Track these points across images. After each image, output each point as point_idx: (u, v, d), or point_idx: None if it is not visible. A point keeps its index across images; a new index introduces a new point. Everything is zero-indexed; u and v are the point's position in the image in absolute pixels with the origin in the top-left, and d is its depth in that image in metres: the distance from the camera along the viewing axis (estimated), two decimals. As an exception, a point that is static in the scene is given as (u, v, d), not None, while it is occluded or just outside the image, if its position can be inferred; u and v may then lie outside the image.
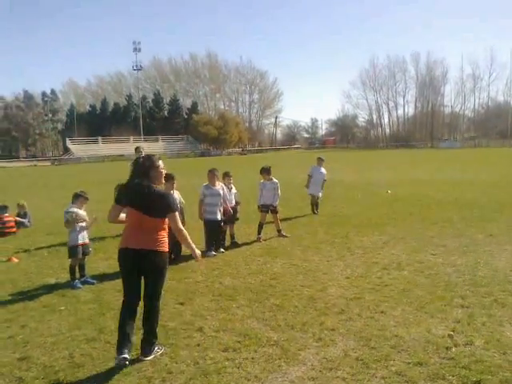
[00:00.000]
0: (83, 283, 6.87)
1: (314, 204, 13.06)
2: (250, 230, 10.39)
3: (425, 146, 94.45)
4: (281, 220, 10.42)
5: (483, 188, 17.77)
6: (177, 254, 8.12)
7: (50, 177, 36.61)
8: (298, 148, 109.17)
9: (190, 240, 4.61)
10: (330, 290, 6.29)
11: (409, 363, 4.14)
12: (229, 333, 4.93)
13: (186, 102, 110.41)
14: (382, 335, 4.75)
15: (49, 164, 70.28)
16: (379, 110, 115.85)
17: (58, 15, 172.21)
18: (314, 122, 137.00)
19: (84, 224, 7.07)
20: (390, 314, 5.33)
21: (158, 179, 4.61)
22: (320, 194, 13.21)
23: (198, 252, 4.71)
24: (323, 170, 13.47)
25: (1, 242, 10.30)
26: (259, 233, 9.69)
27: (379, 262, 7.63)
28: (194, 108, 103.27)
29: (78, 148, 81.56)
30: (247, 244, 9.33)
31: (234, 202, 9.37)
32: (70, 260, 7.02)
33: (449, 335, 4.71)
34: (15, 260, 8.51)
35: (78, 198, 7.14)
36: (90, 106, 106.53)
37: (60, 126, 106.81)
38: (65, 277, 7.20)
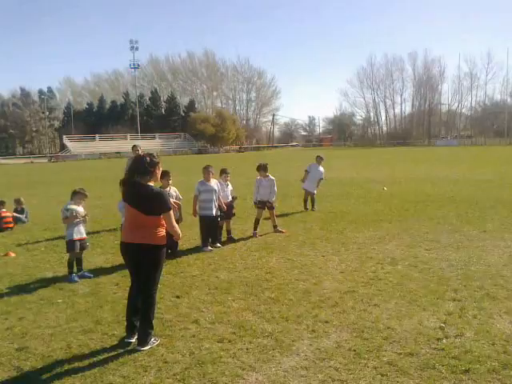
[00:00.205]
0: (80, 277, 6.94)
1: (307, 200, 13.17)
2: (247, 225, 10.46)
3: (422, 144, 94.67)
4: (277, 216, 10.50)
5: (479, 185, 17.88)
6: (173, 249, 8.18)
7: (46, 174, 36.59)
8: (295, 146, 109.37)
9: (178, 230, 4.72)
10: (325, 283, 6.37)
11: (400, 354, 4.23)
12: (224, 325, 5.01)
13: (183, 100, 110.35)
14: (374, 327, 4.84)
15: (45, 161, 70.14)
16: (376, 108, 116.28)
17: (56, 14, 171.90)
18: (312, 119, 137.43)
19: (83, 218, 7.12)
20: (383, 307, 5.42)
21: (157, 176, 4.73)
22: (315, 191, 13.28)
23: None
24: (321, 168, 13.56)
25: (-2, 238, 10.34)
26: (255, 228, 9.76)
27: (374, 256, 7.72)
28: (191, 106, 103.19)
29: (75, 145, 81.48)
30: (243, 239, 9.40)
31: (230, 198, 9.43)
32: (67, 254, 7.09)
33: (440, 327, 4.80)
34: (12, 254, 8.56)
35: (77, 194, 7.20)
36: (87, 103, 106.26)
37: (57, 124, 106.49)
38: (62, 271, 7.27)
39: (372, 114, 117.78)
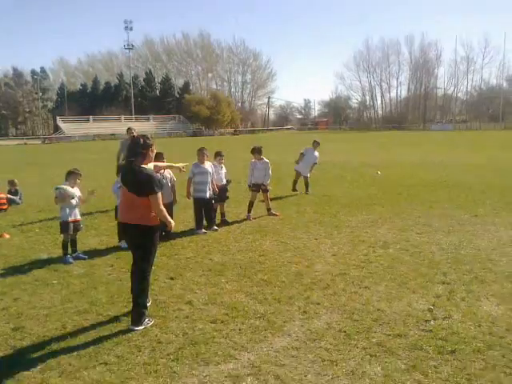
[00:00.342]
0: (75, 258, 6.99)
1: (296, 181, 13.33)
2: (241, 208, 10.51)
3: (417, 128, 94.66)
4: (271, 199, 10.55)
5: (473, 170, 18.00)
6: (167, 232, 8.22)
7: (40, 155, 36.38)
8: (290, 129, 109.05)
9: (166, 215, 4.74)
10: (317, 266, 6.46)
11: (389, 335, 4.33)
12: (217, 306, 5.09)
13: (178, 82, 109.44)
14: (364, 309, 4.94)
15: (39, 142, 69.62)
16: (372, 92, 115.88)
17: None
18: (307, 102, 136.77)
19: (74, 201, 7.12)
20: (374, 290, 5.51)
21: (150, 158, 4.80)
22: (308, 175, 13.35)
23: (172, 222, 4.87)
24: (317, 153, 13.60)
25: (-8, 219, 10.35)
26: (249, 211, 9.82)
27: (366, 240, 7.81)
28: (186, 87, 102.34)
29: (68, 127, 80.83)
30: (237, 222, 9.47)
31: (224, 180, 9.45)
32: (61, 236, 7.13)
33: (429, 309, 4.91)
34: (7, 236, 8.59)
35: (71, 174, 7.21)
36: (81, 84, 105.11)
37: (50, 105, 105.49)
38: (56, 252, 7.31)
39: (368, 98, 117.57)
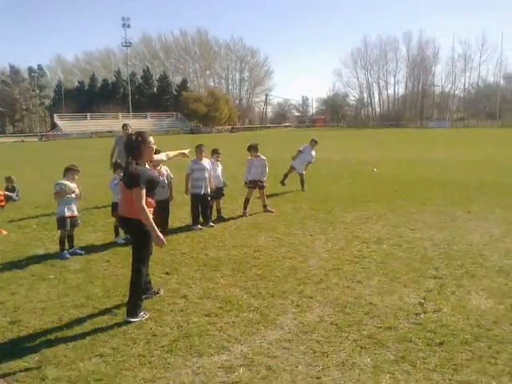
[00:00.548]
0: (72, 254, 7.06)
1: (288, 175, 13.51)
2: (237, 205, 10.60)
3: (414, 125, 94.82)
4: (267, 196, 10.63)
5: (468, 167, 18.12)
6: (164, 228, 8.30)
7: (37, 152, 36.39)
8: (288, 126, 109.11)
9: (151, 221, 4.57)
10: (311, 261, 6.55)
11: (380, 328, 4.42)
12: (212, 300, 5.17)
13: (175, 79, 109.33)
14: (356, 302, 5.03)
15: (36, 140, 69.51)
16: (370, 89, 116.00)
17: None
18: (305, 100, 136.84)
19: (74, 195, 7.20)
20: (366, 284, 5.60)
21: (142, 153, 4.80)
22: (303, 172, 13.46)
23: (160, 236, 4.62)
24: (314, 152, 13.74)
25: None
26: (245, 208, 9.90)
27: (360, 236, 7.90)
28: (183, 85, 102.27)
29: (66, 124, 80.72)
30: (233, 219, 9.54)
31: (220, 177, 9.52)
32: (59, 231, 7.20)
33: (419, 303, 5.00)
34: (4, 232, 8.64)
35: (69, 171, 7.30)
36: (79, 82, 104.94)
37: (47, 102, 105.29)
38: (53, 248, 7.38)
39: (365, 95, 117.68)
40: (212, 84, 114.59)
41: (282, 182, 13.37)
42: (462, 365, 3.74)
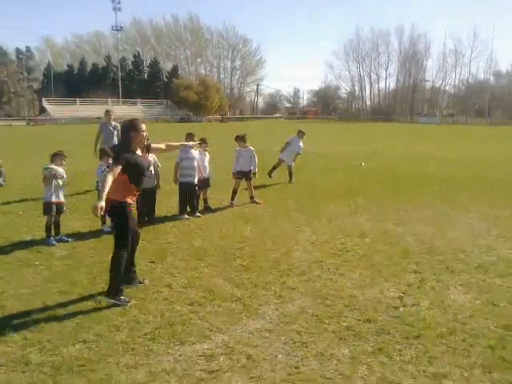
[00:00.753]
0: (58, 241, 7.08)
1: (276, 168, 13.64)
2: (224, 195, 10.63)
3: (404, 120, 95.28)
4: (255, 187, 10.70)
5: (456, 163, 18.36)
6: (150, 216, 8.35)
7: (25, 137, 36.00)
8: (278, 117, 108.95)
9: (104, 190, 4.56)
10: (295, 253, 6.64)
11: (359, 320, 4.53)
12: (195, 289, 5.25)
13: (166, 66, 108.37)
14: (338, 295, 5.14)
15: (24, 124, 68.67)
16: (361, 82, 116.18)
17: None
18: (297, 91, 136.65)
19: (61, 182, 7.21)
20: (348, 277, 5.72)
21: (139, 141, 4.99)
22: (292, 164, 13.55)
23: (100, 203, 4.49)
24: (301, 144, 13.81)
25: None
26: (232, 199, 9.96)
27: (344, 229, 8.01)
28: (174, 72, 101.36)
29: (54, 109, 79.68)
30: (220, 209, 9.61)
31: (207, 168, 9.54)
32: (45, 217, 7.20)
33: (399, 297, 5.13)
34: (-10, 217, 8.62)
35: (57, 156, 7.28)
36: (68, 65, 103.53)
37: (36, 86, 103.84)
38: (40, 234, 7.38)
39: (357, 88, 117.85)
40: (203, 72, 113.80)
41: (270, 174, 13.46)
42: (436, 357, 3.86)
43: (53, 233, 7.15)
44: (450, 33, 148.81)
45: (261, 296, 5.07)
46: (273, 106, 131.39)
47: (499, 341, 4.14)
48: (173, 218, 8.64)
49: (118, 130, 11.45)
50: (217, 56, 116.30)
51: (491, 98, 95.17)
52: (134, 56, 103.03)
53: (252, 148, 10.16)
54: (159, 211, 8.85)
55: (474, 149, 25.82)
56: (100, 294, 5.03)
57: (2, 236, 7.41)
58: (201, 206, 9.45)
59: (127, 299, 4.84)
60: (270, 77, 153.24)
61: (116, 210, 4.86)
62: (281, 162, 13.62)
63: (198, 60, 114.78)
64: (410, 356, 3.87)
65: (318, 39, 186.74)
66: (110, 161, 5.51)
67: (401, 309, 4.81)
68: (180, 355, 3.82)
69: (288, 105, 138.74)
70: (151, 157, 8.30)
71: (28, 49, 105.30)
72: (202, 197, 9.58)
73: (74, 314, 4.54)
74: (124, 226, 4.90)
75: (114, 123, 11.68)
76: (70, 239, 7.19)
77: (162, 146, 5.81)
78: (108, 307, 4.72)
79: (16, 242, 7.06)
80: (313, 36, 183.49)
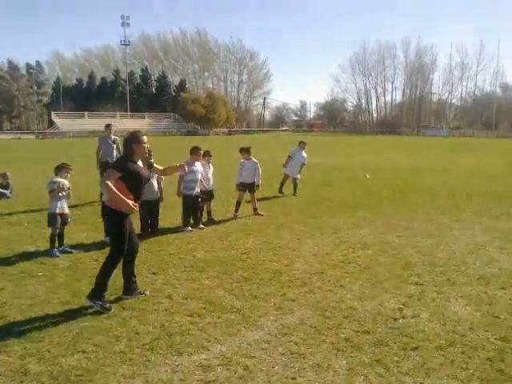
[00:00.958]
0: (62, 252, 7.14)
1: (284, 184, 13.53)
2: (228, 207, 10.69)
3: (411, 133, 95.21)
4: (258, 199, 10.74)
5: (461, 176, 18.29)
6: (153, 228, 8.41)
7: (33, 150, 36.38)
8: (285, 130, 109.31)
9: (115, 192, 4.85)
10: (296, 265, 6.66)
11: (357, 331, 4.53)
12: (196, 300, 5.27)
13: (174, 80, 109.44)
14: (337, 306, 5.14)
15: (33, 137, 69.44)
16: (367, 95, 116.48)
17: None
18: (303, 104, 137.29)
19: (65, 193, 7.30)
20: (349, 288, 5.72)
21: (140, 152, 5.16)
22: (298, 176, 13.57)
23: (127, 201, 4.89)
24: (304, 154, 13.81)
25: (-18, 212, 10.46)
26: (236, 211, 10.00)
27: (346, 241, 8.01)
28: (182, 86, 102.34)
29: (63, 122, 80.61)
30: (223, 221, 9.64)
31: (211, 180, 9.60)
32: (49, 229, 7.27)
33: (399, 308, 5.12)
34: (-5, 229, 8.72)
35: (62, 169, 7.39)
36: (77, 79, 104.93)
37: (45, 99, 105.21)
38: (44, 246, 7.46)
39: (363, 101, 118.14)
40: (210, 85, 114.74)
41: (280, 191, 13.39)
42: (434, 369, 3.85)
43: (56, 244, 7.22)
44: (456, 45, 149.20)
45: (260, 307, 5.09)
46: (280, 119, 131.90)
47: (498, 353, 4.12)
48: (176, 230, 8.69)
49: (117, 144, 11.64)
50: (224, 70, 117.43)
51: (498, 111, 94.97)
52: (142, 70, 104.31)
53: (256, 160, 10.22)
54: (163, 223, 8.91)
55: (479, 161, 25.74)
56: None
57: (8, 247, 7.50)
58: (204, 218, 9.49)
59: (108, 307, 4.92)
60: (276, 90, 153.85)
61: (112, 218, 5.01)
62: (286, 176, 13.58)
63: (206, 74, 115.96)
64: (408, 368, 3.86)
65: (325, 52, 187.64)
66: None
67: (400, 320, 4.80)
68: (177, 365, 3.84)
69: (295, 118, 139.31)
70: (155, 169, 8.38)
71: (38, 63, 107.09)
72: (205, 209, 9.63)
73: (74, 325, 4.58)
74: (120, 235, 5.01)
75: (113, 137, 11.82)
76: (73, 250, 7.25)
77: (160, 167, 5.89)
78: (108, 317, 4.76)
79: (20, 253, 7.14)
80: (320, 49, 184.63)
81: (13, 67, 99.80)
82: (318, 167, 20.01)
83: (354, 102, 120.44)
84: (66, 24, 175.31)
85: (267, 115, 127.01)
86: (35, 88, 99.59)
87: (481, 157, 30.10)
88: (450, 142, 54.72)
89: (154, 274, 6.21)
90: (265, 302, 5.26)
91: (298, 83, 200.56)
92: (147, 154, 5.51)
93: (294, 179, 13.47)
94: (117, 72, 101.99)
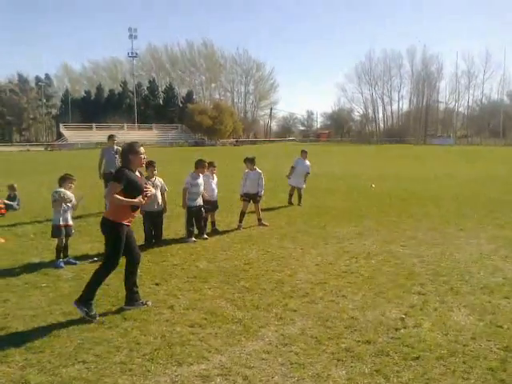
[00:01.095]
0: (66, 263, 7.19)
1: (292, 195, 13.47)
2: (233, 218, 10.71)
3: (418, 142, 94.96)
4: (263, 210, 10.77)
5: (466, 185, 18.22)
6: (157, 239, 8.45)
7: (41, 162, 36.73)
8: (292, 140, 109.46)
9: (125, 200, 5.05)
10: (299, 275, 6.65)
11: (358, 341, 4.52)
12: (197, 311, 5.28)
13: (181, 91, 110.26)
14: (339, 316, 5.12)
15: (42, 149, 70.11)
16: (374, 105, 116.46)
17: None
18: (310, 114, 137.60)
19: (71, 204, 7.37)
20: (351, 299, 5.70)
21: (137, 163, 5.27)
22: (304, 186, 13.57)
23: (136, 200, 5.16)
24: (307, 162, 13.80)
25: (-11, 223, 10.57)
26: (240, 221, 10.02)
27: (350, 251, 8.00)
28: (189, 97, 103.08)
29: (71, 134, 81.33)
30: (228, 232, 9.66)
31: (215, 191, 9.64)
32: (56, 240, 7.32)
33: (401, 318, 5.09)
34: (2, 240, 8.78)
35: (65, 180, 7.45)
36: (85, 91, 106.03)
37: (54, 112, 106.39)
38: (48, 257, 7.52)
39: (370, 111, 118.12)
40: (217, 96, 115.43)
41: (289, 202, 13.34)
42: (434, 379, 3.83)
43: (61, 255, 7.27)
44: (463, 54, 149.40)
45: (262, 318, 5.08)
46: (286, 129, 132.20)
47: (501, 363, 4.08)
48: (180, 241, 8.71)
49: (119, 154, 11.72)
50: (231, 81, 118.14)
51: (505, 119, 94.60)
52: (150, 82, 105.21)
53: (260, 171, 10.26)
54: (167, 234, 8.96)
55: (486, 170, 25.62)
56: (104, 315, 5.10)
57: (14, 258, 7.57)
58: (208, 229, 9.52)
59: (93, 314, 4.99)
60: (283, 100, 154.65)
61: (110, 230, 5.10)
62: (293, 188, 13.55)
63: (213, 85, 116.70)
64: (408, 378, 3.84)
65: (331, 62, 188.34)
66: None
67: (402, 330, 4.77)
68: (177, 375, 3.85)
69: (302, 128, 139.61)
70: (158, 181, 8.46)
71: (47, 76, 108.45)
72: (209, 219, 9.66)
73: (75, 335, 4.60)
74: (116, 247, 5.10)
75: (116, 147, 11.91)
76: (77, 262, 7.29)
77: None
78: (110, 328, 4.78)
79: (25, 265, 7.20)
80: (326, 59, 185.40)
81: (22, 80, 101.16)
82: (324, 177, 20.02)
83: (361, 112, 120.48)
84: (75, 36, 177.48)
85: (274, 125, 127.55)
86: (44, 100, 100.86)
87: (487, 165, 29.95)
88: (457, 151, 54.56)
89: (156, 284, 6.23)
90: (266, 312, 5.26)
91: (305, 93, 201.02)
92: (144, 165, 5.58)
93: (299, 189, 13.46)
94: (124, 84, 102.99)
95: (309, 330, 4.78)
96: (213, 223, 9.74)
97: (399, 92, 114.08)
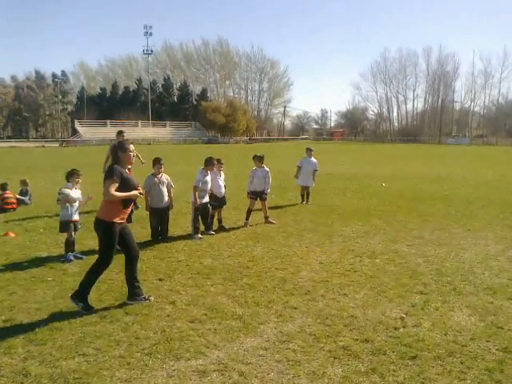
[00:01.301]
0: (73, 257, 7.30)
1: (303, 194, 13.40)
2: (240, 216, 10.76)
3: (433, 141, 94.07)
4: (271, 208, 10.80)
5: (478, 185, 18.03)
6: (163, 235, 8.53)
7: (56, 158, 37.17)
8: (305, 139, 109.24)
9: (122, 194, 5.16)
10: (302, 273, 6.68)
11: (356, 340, 4.53)
12: (199, 307, 5.34)
13: (195, 89, 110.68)
14: (338, 315, 5.14)
15: (57, 145, 70.91)
16: (388, 104, 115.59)
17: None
18: (324, 113, 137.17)
19: (76, 204, 7.49)
20: (352, 297, 5.71)
21: (127, 160, 5.38)
22: (313, 184, 13.53)
23: (131, 193, 5.27)
24: (314, 159, 13.72)
25: (0, 218, 10.75)
26: (247, 218, 10.06)
27: (355, 250, 7.99)
28: (203, 94, 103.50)
29: (86, 130, 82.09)
30: (234, 229, 9.71)
31: (222, 188, 9.69)
32: (62, 234, 7.45)
33: (401, 317, 5.08)
34: (12, 235, 8.95)
35: (73, 175, 7.58)
36: (100, 88, 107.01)
37: (70, 108, 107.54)
38: (56, 251, 7.66)
39: (384, 110, 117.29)
40: (231, 94, 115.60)
41: (302, 202, 13.31)
42: (430, 378, 3.83)
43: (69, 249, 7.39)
44: (479, 53, 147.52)
45: (262, 314, 5.12)
46: (300, 128, 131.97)
47: (498, 364, 4.07)
48: (186, 237, 8.78)
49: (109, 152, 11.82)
50: (245, 78, 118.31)
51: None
52: (165, 79, 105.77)
53: (267, 169, 10.28)
54: (173, 230, 9.04)
55: (499, 171, 25.31)
56: (106, 309, 5.18)
57: (22, 252, 7.71)
58: (215, 226, 9.57)
59: (89, 307, 5.12)
60: (297, 98, 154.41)
61: (103, 230, 5.17)
62: (302, 188, 13.50)
63: (227, 83, 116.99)
64: (404, 377, 3.85)
65: (346, 60, 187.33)
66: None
67: (401, 329, 4.77)
68: (174, 370, 3.90)
69: (316, 126, 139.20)
70: (165, 178, 8.53)
71: (64, 73, 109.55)
72: (216, 216, 9.71)
73: (77, 329, 4.69)
74: (109, 245, 5.20)
75: None
76: (84, 256, 7.40)
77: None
78: (111, 322, 4.86)
79: (33, 259, 7.34)
80: (341, 57, 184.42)
81: (39, 77, 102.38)
82: (336, 176, 19.98)
83: (376, 111, 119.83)
84: (91, 35, 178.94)
85: (287, 124, 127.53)
86: (60, 97, 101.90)
87: (502, 166, 29.59)
88: (472, 151, 53.96)
89: (160, 280, 6.30)
90: (267, 309, 5.29)
91: (319, 91, 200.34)
92: (133, 163, 5.63)
93: (307, 187, 13.43)
94: (139, 81, 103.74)
95: (308, 327, 4.80)
96: (219, 220, 9.79)
97: (414, 91, 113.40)
